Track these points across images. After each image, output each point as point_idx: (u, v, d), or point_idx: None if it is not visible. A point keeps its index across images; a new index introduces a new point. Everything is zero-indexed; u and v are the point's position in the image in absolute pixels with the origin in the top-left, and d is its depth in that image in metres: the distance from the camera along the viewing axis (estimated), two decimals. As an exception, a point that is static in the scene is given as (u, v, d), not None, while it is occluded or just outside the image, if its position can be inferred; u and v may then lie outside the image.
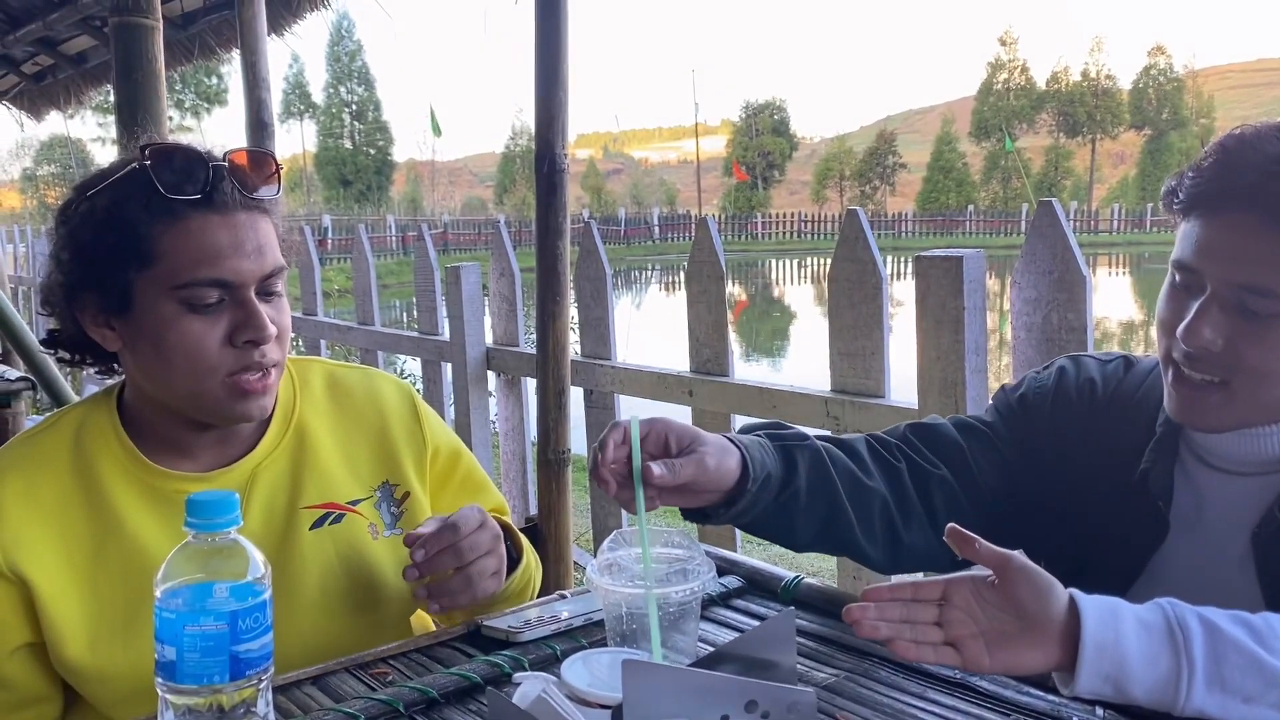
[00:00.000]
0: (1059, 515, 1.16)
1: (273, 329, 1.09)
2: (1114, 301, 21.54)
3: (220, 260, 1.06)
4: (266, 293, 1.11)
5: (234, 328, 1.08)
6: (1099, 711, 0.87)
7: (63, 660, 1.09)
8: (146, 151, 1.07)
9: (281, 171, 1.15)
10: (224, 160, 1.09)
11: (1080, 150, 62.79)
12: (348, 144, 55.02)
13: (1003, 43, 64.05)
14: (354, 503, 1.22)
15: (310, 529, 1.18)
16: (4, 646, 1.09)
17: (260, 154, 1.13)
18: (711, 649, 0.89)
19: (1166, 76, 61.84)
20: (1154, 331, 1.10)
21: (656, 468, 0.95)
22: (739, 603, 1.17)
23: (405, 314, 16.64)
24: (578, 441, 2.87)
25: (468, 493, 1.33)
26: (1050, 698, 0.90)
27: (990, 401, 1.27)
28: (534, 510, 3.16)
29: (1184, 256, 1.02)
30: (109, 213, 1.07)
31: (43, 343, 1.19)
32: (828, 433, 2.23)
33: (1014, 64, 63.22)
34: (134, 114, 2.10)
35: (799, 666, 0.97)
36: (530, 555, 1.29)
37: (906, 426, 1.22)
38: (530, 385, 3.19)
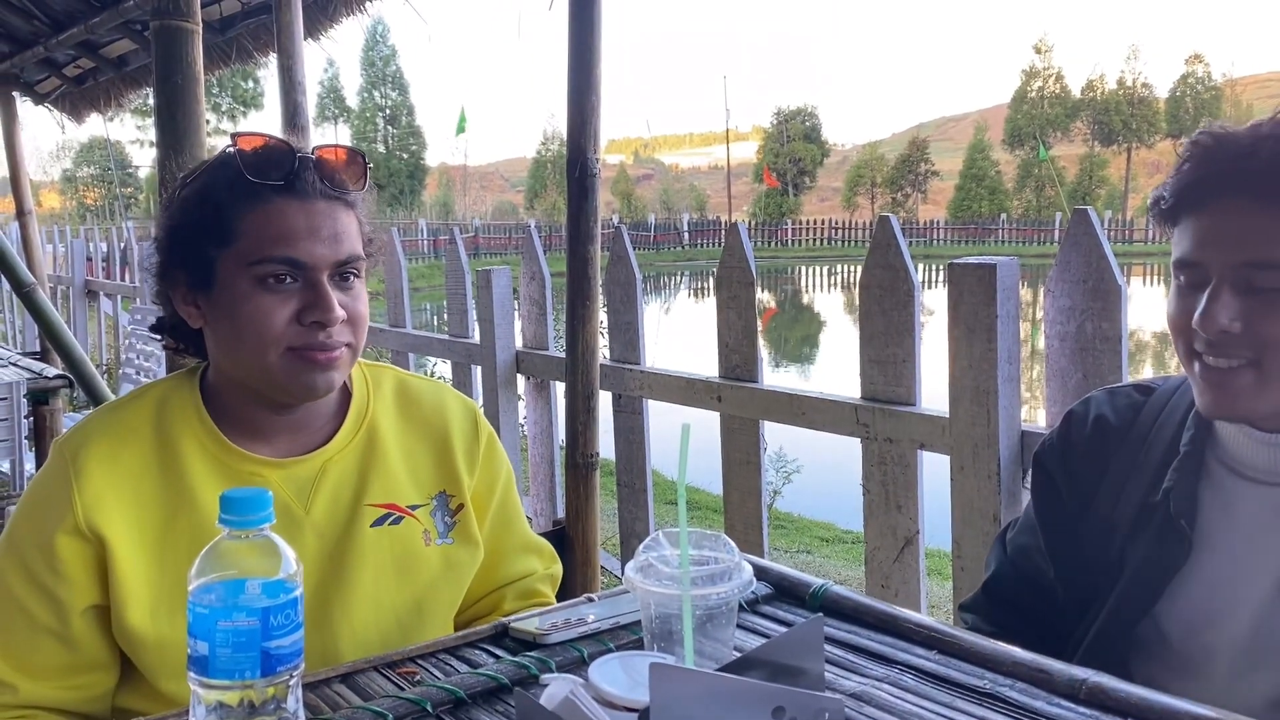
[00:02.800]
0: (1083, 546, 1.17)
1: (340, 312, 1.13)
2: (1149, 311, 21.28)
3: (295, 241, 1.11)
4: (343, 280, 1.15)
5: (303, 307, 1.12)
6: (1131, 725, 0.86)
7: (124, 625, 1.12)
8: (235, 139, 1.13)
9: (369, 168, 1.20)
10: (311, 154, 1.15)
11: (1115, 159, 62.11)
12: (381, 148, 55.35)
13: (1037, 50, 63.49)
14: (413, 508, 1.25)
15: (371, 526, 1.21)
16: (76, 604, 1.13)
17: (348, 150, 1.18)
18: (739, 654, 0.89)
19: (1205, 85, 61.07)
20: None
21: None
22: (766, 609, 1.16)
23: (436, 317, 16.74)
24: (606, 446, 2.87)
25: (499, 522, 1.35)
26: (1081, 709, 0.89)
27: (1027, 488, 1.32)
28: (561, 514, 3.17)
29: (1184, 253, 1.04)
30: (200, 195, 1.14)
31: (150, 329, 1.26)
32: (859, 440, 2.22)
33: (1049, 72, 62.62)
34: (173, 116, 2.12)
35: (826, 674, 0.96)
36: None
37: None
38: (559, 389, 3.20)
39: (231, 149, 1.14)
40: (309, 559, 1.17)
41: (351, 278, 1.16)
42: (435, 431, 1.30)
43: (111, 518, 1.12)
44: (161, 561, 1.13)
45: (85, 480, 1.12)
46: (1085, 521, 1.19)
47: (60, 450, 1.16)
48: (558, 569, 1.42)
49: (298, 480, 1.19)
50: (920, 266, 2.22)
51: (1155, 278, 32.31)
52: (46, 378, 3.72)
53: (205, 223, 1.13)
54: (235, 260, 1.12)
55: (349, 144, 1.23)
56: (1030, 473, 1.29)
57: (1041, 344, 1.96)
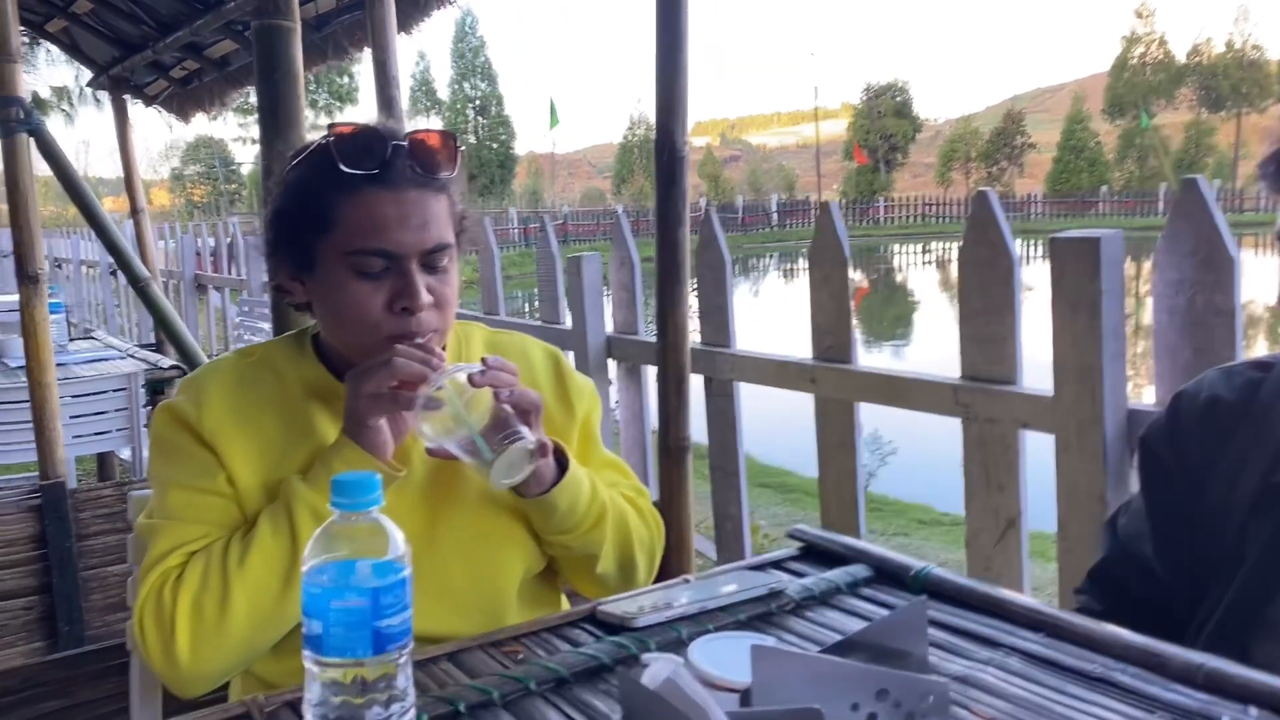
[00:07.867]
0: (1195, 530, 1.12)
1: (427, 298, 1.17)
2: (1262, 284, 20.34)
3: (385, 232, 1.15)
4: (431, 266, 1.19)
5: (393, 295, 1.17)
6: (1252, 711, 0.83)
7: None
8: (331, 129, 1.17)
9: (461, 152, 1.22)
10: (404, 140, 1.17)
11: (1224, 126, 59.38)
12: (471, 139, 55.99)
13: (1139, 15, 61.03)
14: None
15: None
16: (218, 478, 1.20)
17: (439, 133, 1.20)
18: (841, 637, 0.88)
19: (1322, 44, 58.02)
20: None
21: None
22: (868, 592, 1.15)
23: (527, 304, 16.94)
24: (698, 430, 2.87)
25: (582, 440, 1.40)
26: (1198, 695, 0.86)
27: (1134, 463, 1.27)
28: (655, 498, 3.18)
29: None
30: (299, 183, 1.19)
31: (269, 285, 1.32)
32: (958, 421, 2.18)
33: (1150, 37, 60.17)
34: (274, 114, 2.19)
35: (930, 657, 0.95)
36: (601, 491, 1.30)
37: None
38: (650, 373, 3.21)
39: (328, 138, 1.17)
40: (408, 504, 1.22)
41: (441, 261, 1.20)
42: (524, 383, 1.32)
43: (233, 441, 1.19)
44: (276, 483, 1.19)
45: (206, 410, 1.20)
46: (1198, 506, 1.14)
47: (182, 388, 1.23)
48: (645, 496, 1.43)
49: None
50: (1018, 241, 2.16)
51: (1268, 248, 30.84)
52: (161, 368, 3.88)
53: (304, 210, 1.18)
54: (333, 247, 1.17)
55: (440, 127, 1.26)
56: (1137, 456, 1.25)
57: (1146, 319, 1.89)
